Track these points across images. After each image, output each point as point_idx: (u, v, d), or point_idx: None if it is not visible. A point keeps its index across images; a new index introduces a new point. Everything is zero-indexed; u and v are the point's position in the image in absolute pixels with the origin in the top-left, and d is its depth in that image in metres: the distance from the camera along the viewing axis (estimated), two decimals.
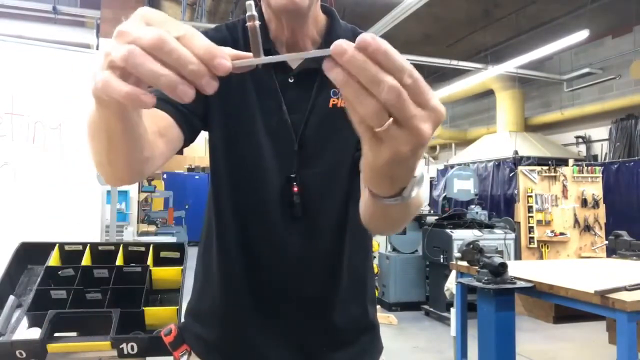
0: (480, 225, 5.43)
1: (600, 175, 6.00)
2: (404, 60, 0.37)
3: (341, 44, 0.37)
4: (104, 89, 0.38)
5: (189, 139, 0.79)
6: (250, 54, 0.42)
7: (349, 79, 0.37)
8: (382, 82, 0.37)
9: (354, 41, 0.94)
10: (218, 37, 0.87)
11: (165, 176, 11.31)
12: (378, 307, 5.58)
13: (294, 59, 0.42)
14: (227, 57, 0.38)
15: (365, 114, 0.38)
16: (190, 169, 12.78)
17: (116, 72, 0.38)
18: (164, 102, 0.74)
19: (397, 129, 0.39)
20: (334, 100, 0.85)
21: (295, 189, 0.84)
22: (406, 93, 0.37)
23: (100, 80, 0.38)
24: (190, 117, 0.78)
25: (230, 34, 0.88)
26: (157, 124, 0.70)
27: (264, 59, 0.42)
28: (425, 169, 0.50)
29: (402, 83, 0.37)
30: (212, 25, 0.92)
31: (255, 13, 0.42)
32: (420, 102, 0.39)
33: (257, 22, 0.43)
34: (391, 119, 0.38)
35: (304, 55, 0.42)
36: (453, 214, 5.73)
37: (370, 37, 0.36)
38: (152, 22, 0.39)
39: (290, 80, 0.85)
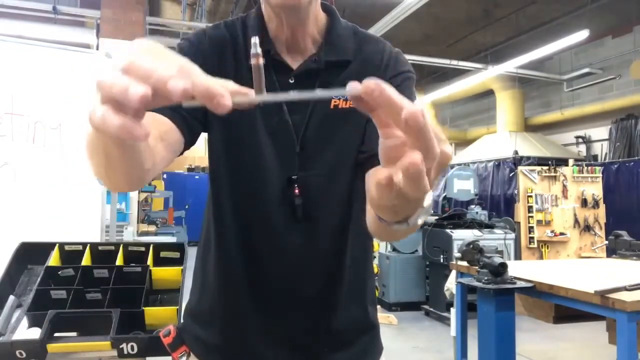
0: (480, 225, 5.43)
1: (600, 175, 6.00)
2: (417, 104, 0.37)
3: (369, 83, 0.36)
4: (102, 124, 0.36)
5: (190, 142, 0.79)
6: (251, 90, 0.41)
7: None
8: (435, 145, 0.37)
9: (354, 41, 0.93)
10: (217, 35, 0.87)
11: (165, 176, 11.31)
12: (378, 307, 5.56)
13: (298, 97, 0.40)
14: (227, 95, 0.37)
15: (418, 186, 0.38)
16: (190, 169, 12.78)
17: (111, 106, 0.36)
18: (164, 107, 0.74)
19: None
20: (335, 102, 0.85)
21: (297, 190, 0.83)
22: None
23: (98, 115, 0.36)
24: (190, 121, 0.78)
25: (229, 32, 0.87)
26: (158, 128, 0.69)
27: (267, 97, 0.41)
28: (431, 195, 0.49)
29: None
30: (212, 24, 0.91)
31: (259, 51, 0.42)
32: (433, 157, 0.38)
33: (262, 60, 0.42)
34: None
35: (309, 96, 0.40)
36: (453, 214, 5.73)
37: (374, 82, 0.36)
38: (152, 54, 0.38)
39: (291, 81, 0.84)
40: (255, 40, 0.42)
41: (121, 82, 0.35)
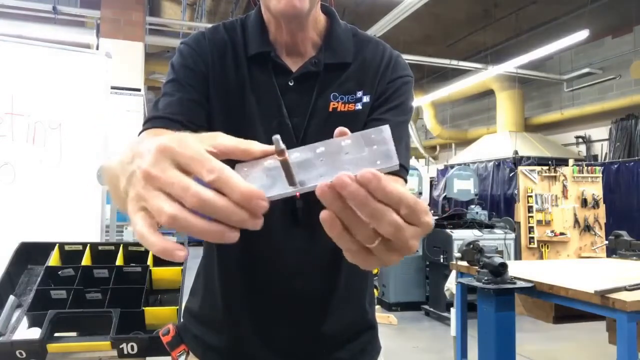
0: (480, 225, 5.43)
1: (600, 175, 5.99)
2: (400, 192, 0.38)
3: (343, 179, 0.37)
4: (140, 239, 0.38)
5: None
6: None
7: (344, 209, 0.38)
8: (383, 218, 0.38)
9: (354, 44, 0.93)
10: (217, 39, 0.87)
11: None
12: (378, 307, 5.55)
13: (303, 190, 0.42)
14: (263, 197, 0.38)
15: (359, 238, 0.40)
16: None
17: (151, 222, 0.38)
18: (170, 122, 0.75)
19: (387, 244, 0.40)
20: (334, 104, 0.85)
21: (297, 194, 0.83)
22: (405, 224, 0.39)
23: (138, 231, 0.38)
24: (195, 130, 0.78)
25: (228, 35, 0.87)
26: None
27: (299, 189, 0.42)
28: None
29: (399, 214, 0.38)
30: (211, 25, 0.92)
31: (284, 147, 0.42)
32: (414, 223, 0.39)
33: (288, 156, 0.42)
34: (380, 238, 0.39)
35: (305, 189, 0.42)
36: (453, 214, 5.74)
37: (372, 173, 0.37)
38: (179, 159, 0.38)
39: (290, 84, 0.84)
40: (277, 136, 0.42)
41: (198, 225, 0.36)
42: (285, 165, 0.42)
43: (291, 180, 0.42)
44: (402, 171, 0.80)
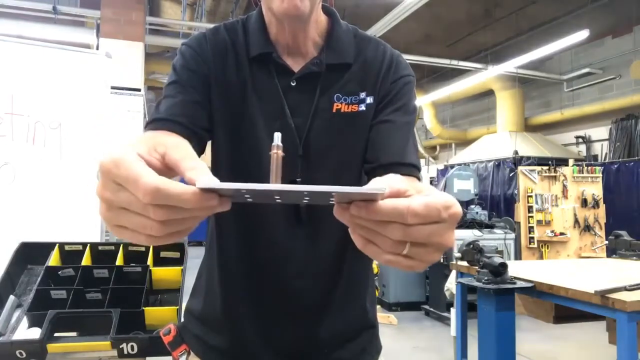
0: (480, 225, 5.43)
1: (600, 175, 5.99)
2: (397, 206, 0.40)
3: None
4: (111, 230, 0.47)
5: (199, 152, 0.78)
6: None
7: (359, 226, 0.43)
8: (389, 232, 0.42)
9: (355, 44, 0.94)
10: (218, 40, 0.86)
11: None
12: (378, 307, 5.54)
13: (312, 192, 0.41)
14: (189, 195, 0.43)
15: (384, 248, 0.43)
16: None
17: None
18: (172, 123, 0.74)
19: (420, 248, 0.42)
20: (337, 105, 0.85)
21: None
22: (420, 229, 0.41)
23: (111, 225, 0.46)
24: (200, 134, 0.77)
25: (229, 36, 0.87)
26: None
27: (281, 187, 0.41)
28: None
29: (409, 223, 0.41)
30: (212, 25, 0.91)
31: (281, 144, 0.44)
32: (435, 221, 0.41)
33: (282, 154, 0.44)
34: (409, 244, 0.42)
35: (324, 189, 0.41)
36: None
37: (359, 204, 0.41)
38: (118, 181, 0.43)
39: (292, 84, 0.84)
40: (277, 134, 0.45)
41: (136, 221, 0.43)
42: (275, 162, 0.43)
43: (276, 178, 0.43)
44: (413, 170, 0.81)
